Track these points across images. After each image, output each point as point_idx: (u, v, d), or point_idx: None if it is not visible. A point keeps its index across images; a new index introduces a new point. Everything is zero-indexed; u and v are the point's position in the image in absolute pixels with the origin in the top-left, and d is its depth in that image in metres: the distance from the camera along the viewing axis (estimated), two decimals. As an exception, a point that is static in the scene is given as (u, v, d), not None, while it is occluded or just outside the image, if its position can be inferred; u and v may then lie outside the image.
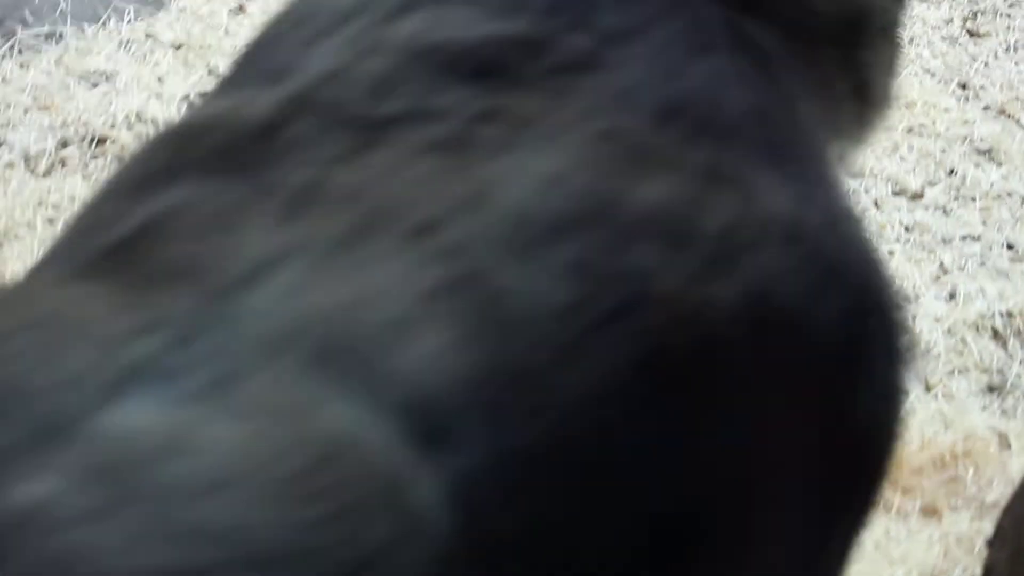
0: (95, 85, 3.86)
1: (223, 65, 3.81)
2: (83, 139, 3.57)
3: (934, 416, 2.98)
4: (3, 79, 3.85)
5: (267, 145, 1.29)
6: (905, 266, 3.47)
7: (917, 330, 3.15)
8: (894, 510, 2.76)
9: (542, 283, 1.19)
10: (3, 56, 3.96)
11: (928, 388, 3.08)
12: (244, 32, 3.93)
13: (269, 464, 1.03)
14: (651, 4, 1.43)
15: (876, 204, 3.74)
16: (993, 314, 3.28)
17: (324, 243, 1.18)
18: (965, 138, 4.03)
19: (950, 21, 4.77)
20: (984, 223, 3.68)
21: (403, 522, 1.06)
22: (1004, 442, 2.92)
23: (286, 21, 1.52)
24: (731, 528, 1.32)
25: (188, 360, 1.09)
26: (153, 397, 1.07)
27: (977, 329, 3.24)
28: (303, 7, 1.52)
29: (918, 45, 4.59)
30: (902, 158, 3.93)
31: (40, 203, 3.31)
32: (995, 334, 3.23)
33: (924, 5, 4.81)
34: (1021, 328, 3.24)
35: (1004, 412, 3.03)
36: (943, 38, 4.62)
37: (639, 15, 1.41)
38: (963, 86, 4.33)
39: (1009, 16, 4.81)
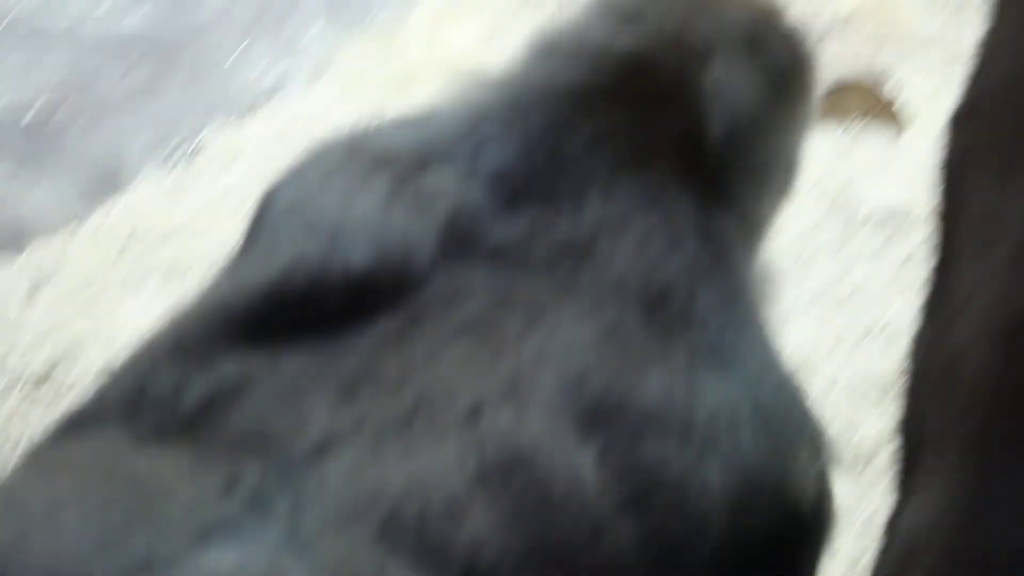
0: None
1: (19, 351, 3.73)
2: None
3: None
4: None
5: (320, 324, 1.46)
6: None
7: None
8: None
9: (574, 472, 1.39)
10: None
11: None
12: (39, 317, 3.85)
13: None
14: (633, 197, 1.66)
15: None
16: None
17: (382, 424, 1.36)
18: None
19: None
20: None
21: None
22: None
23: (315, 168, 1.69)
24: None
25: (265, 519, 1.25)
26: (236, 548, 1.22)
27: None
28: (328, 156, 1.70)
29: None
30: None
31: None
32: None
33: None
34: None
35: None
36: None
37: (623, 207, 1.64)
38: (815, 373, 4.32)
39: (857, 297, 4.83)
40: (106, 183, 4.42)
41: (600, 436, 1.43)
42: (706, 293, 1.63)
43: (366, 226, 1.55)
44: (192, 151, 4.69)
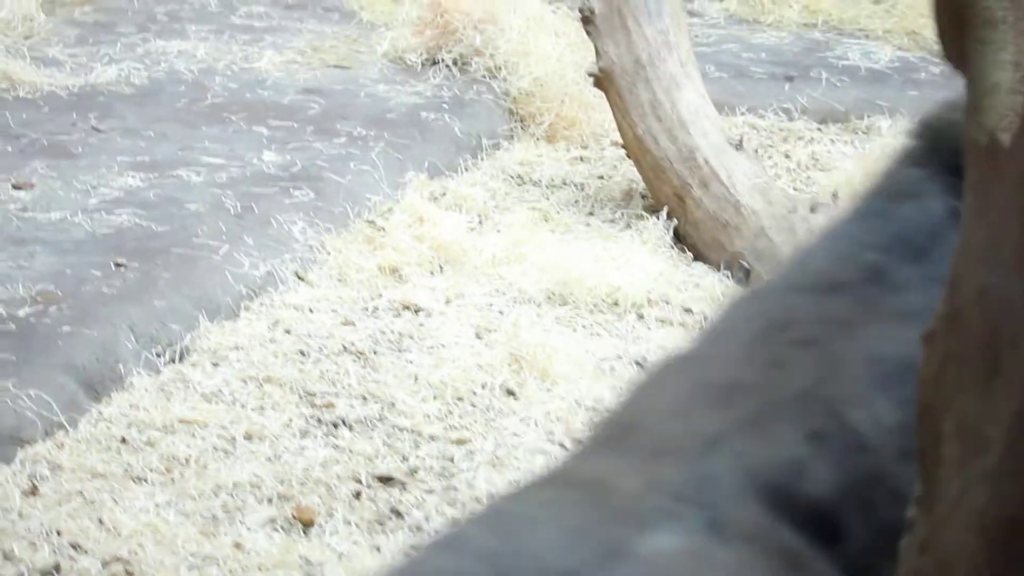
0: None
1: (24, 543, 3.63)
2: None
3: None
4: None
5: (708, 347, 1.94)
6: None
7: None
8: None
9: (875, 417, 1.80)
10: None
11: None
12: (37, 515, 3.76)
13: None
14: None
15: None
16: None
17: (747, 420, 1.77)
18: None
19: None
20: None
21: None
22: None
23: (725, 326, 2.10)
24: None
25: (688, 508, 1.63)
26: (673, 531, 1.60)
27: None
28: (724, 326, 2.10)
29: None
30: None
31: None
32: None
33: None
34: None
35: None
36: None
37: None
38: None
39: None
40: (99, 381, 4.37)
41: (892, 391, 1.85)
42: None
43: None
44: (185, 346, 4.64)
